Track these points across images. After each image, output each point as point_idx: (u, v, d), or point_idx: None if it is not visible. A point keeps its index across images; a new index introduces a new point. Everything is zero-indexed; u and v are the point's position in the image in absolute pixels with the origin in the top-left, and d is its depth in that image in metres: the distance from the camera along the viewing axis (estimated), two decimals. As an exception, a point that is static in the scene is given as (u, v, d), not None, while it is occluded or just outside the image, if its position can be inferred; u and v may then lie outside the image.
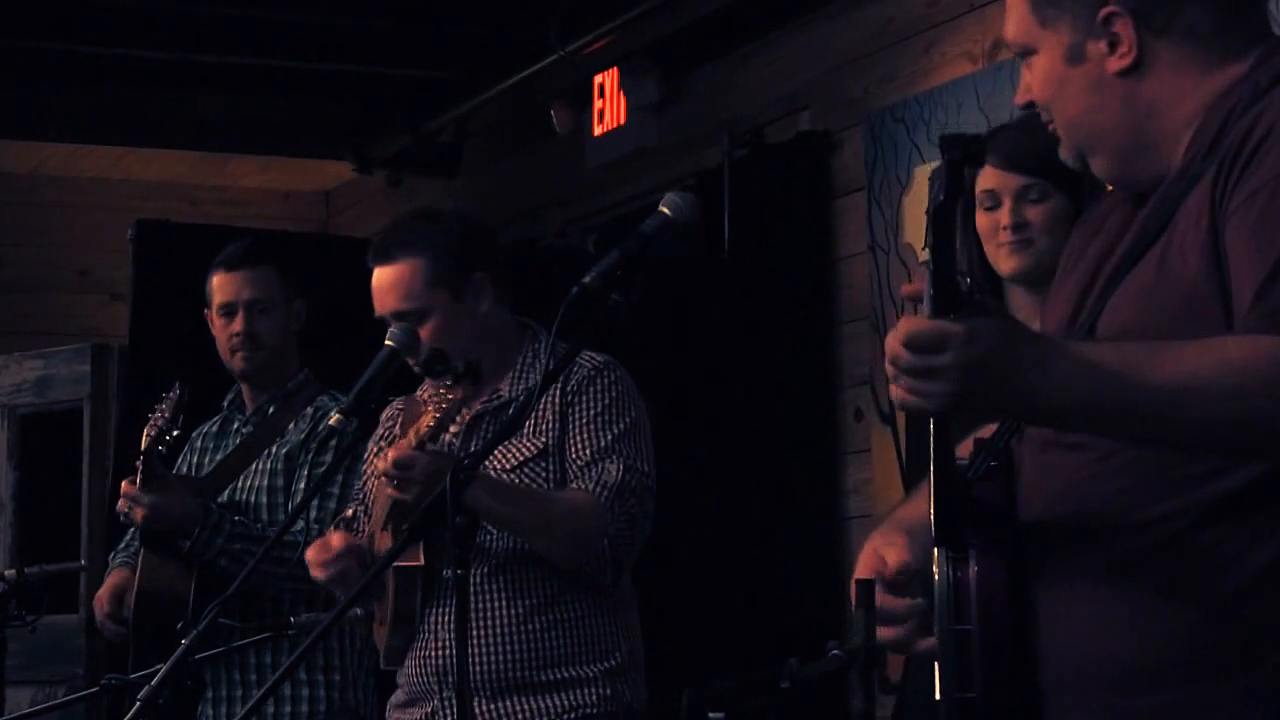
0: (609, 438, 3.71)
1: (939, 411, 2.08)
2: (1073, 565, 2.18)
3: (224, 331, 4.66)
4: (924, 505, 2.19)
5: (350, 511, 3.93)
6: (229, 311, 4.65)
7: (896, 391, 2.07)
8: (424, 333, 3.73)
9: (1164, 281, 2.18)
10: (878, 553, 2.29)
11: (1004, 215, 3.31)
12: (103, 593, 4.68)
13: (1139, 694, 2.15)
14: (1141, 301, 2.20)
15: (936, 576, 2.15)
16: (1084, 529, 2.18)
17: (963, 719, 2.15)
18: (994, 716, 2.15)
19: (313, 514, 4.34)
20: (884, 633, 2.26)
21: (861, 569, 2.30)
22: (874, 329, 5.60)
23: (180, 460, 4.77)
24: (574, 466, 3.70)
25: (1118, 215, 2.34)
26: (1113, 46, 2.28)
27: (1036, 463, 2.23)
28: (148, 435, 4.45)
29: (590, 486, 3.67)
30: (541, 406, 3.72)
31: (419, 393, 3.85)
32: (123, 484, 4.48)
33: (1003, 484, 2.22)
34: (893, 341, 2.05)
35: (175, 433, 4.48)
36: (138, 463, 4.44)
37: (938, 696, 2.20)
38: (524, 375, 3.79)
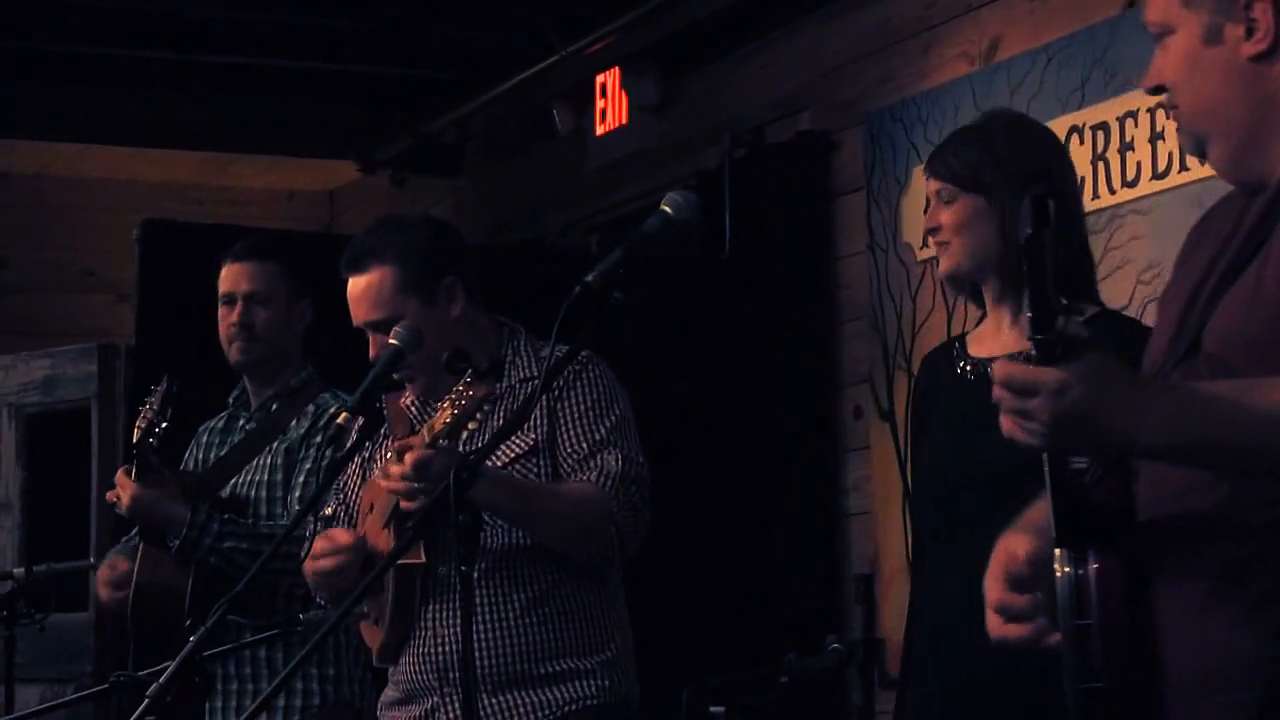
0: (604, 430, 3.72)
1: (1039, 448, 2.19)
2: (1185, 566, 2.25)
3: (224, 321, 4.70)
4: (1035, 511, 2.31)
5: (330, 509, 3.92)
6: (229, 301, 4.70)
7: (1003, 424, 2.19)
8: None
9: (1260, 299, 2.24)
10: (1008, 550, 2.36)
11: (927, 219, 3.42)
12: (101, 571, 4.71)
13: (1250, 690, 2.20)
14: (1241, 316, 2.26)
15: (1058, 575, 2.23)
16: (1194, 532, 2.25)
17: (1087, 708, 2.23)
18: (1116, 707, 2.23)
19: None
20: (1011, 629, 2.33)
21: (992, 569, 2.36)
22: (873, 327, 5.63)
23: (187, 455, 4.79)
24: (570, 460, 3.71)
25: (1229, 218, 2.39)
26: (1250, 32, 2.33)
27: (1152, 467, 2.29)
28: (138, 428, 4.49)
29: (594, 478, 3.68)
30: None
31: (403, 398, 3.87)
32: (119, 472, 4.52)
33: (1121, 487, 2.29)
34: (996, 379, 2.19)
35: (164, 425, 4.51)
36: (133, 452, 4.48)
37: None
38: (506, 374, 3.79)
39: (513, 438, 3.69)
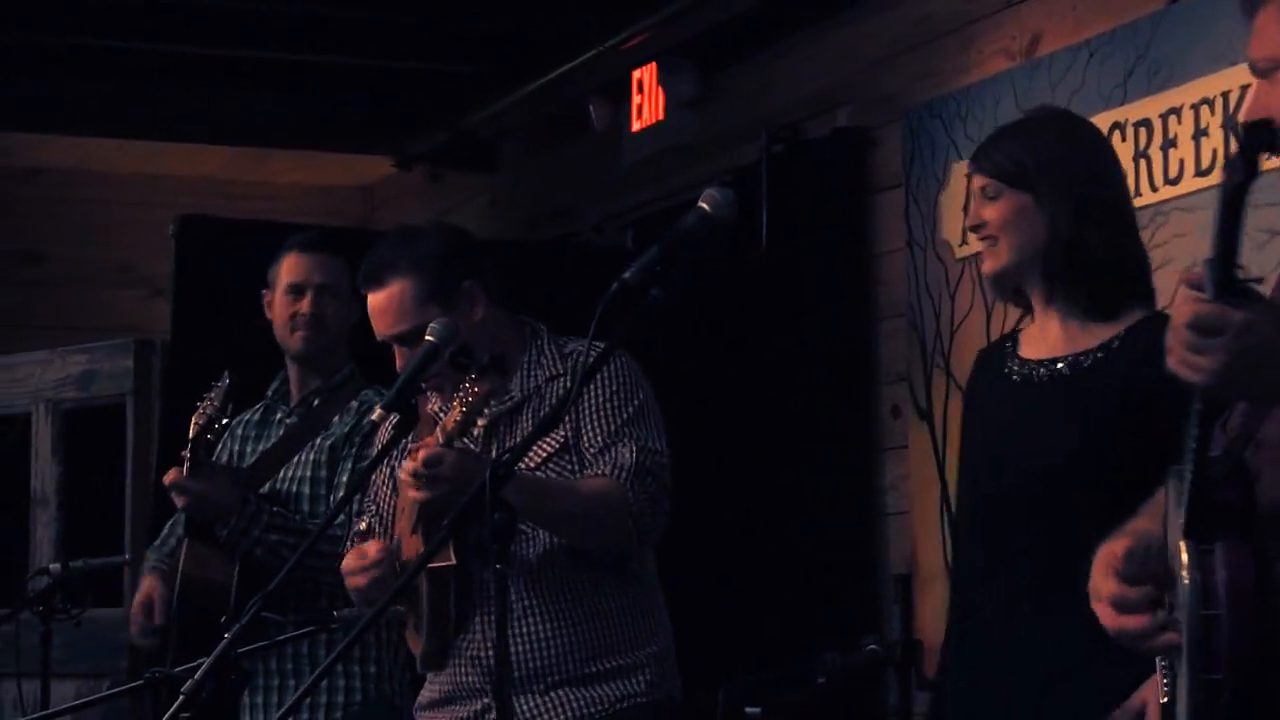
0: (620, 421, 3.72)
1: (1207, 386, 2.27)
2: None
3: (287, 310, 4.65)
4: (1142, 523, 2.43)
5: (364, 524, 3.92)
6: (297, 291, 4.65)
7: (1173, 361, 2.26)
8: None
9: None
10: (1111, 550, 2.46)
11: (969, 216, 3.38)
12: (136, 606, 4.69)
13: None
14: None
15: (1185, 565, 2.29)
16: None
17: (1209, 698, 2.28)
18: (1240, 695, 2.28)
19: (355, 509, 4.35)
20: (1128, 621, 2.41)
21: (1099, 567, 2.45)
22: (911, 326, 5.59)
23: (221, 448, 4.77)
24: (589, 454, 3.72)
25: None
26: None
27: (1275, 465, 2.36)
28: (195, 423, 4.45)
29: (607, 471, 3.69)
30: (553, 400, 3.75)
31: (429, 403, 3.85)
32: (170, 472, 4.50)
33: (1241, 488, 2.36)
34: (1177, 319, 2.27)
35: (224, 421, 4.49)
36: (184, 452, 4.45)
37: (1181, 684, 2.34)
38: (531, 374, 3.80)
39: (545, 437, 3.69)
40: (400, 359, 3.81)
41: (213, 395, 4.45)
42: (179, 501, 4.49)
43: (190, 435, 4.44)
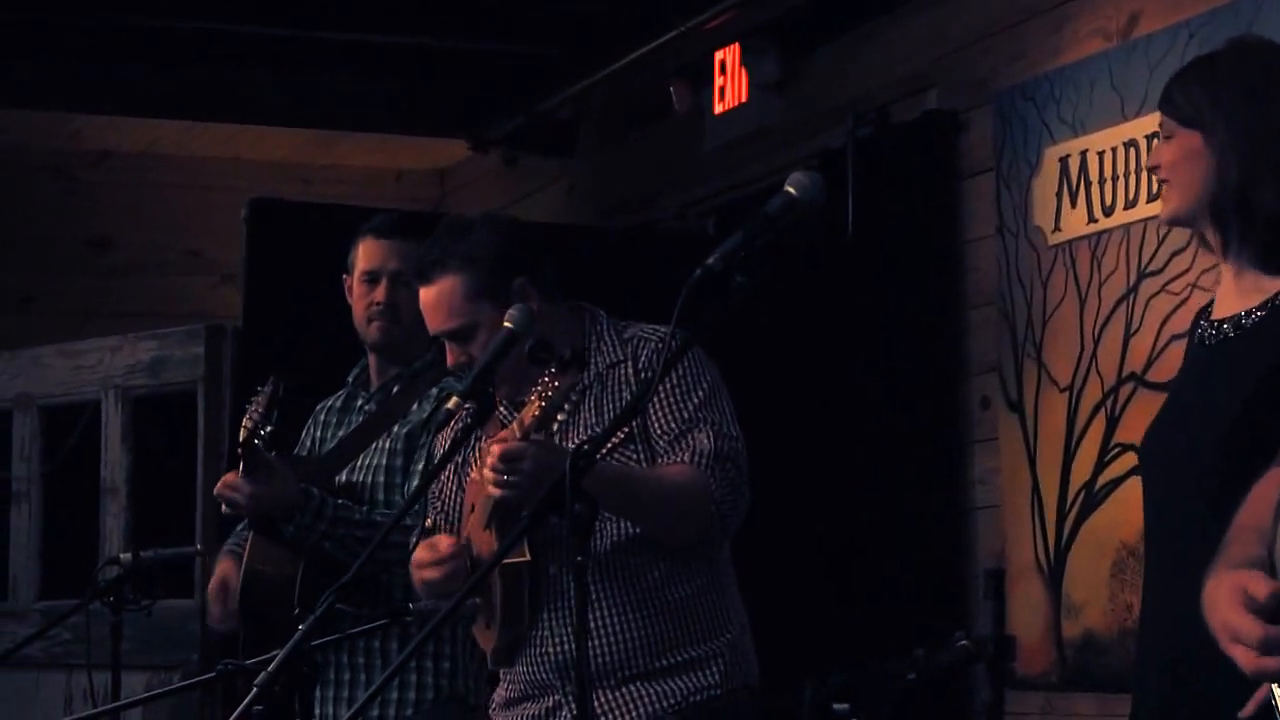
0: (691, 407, 3.67)
1: None
2: None
3: (363, 299, 4.59)
4: (1239, 550, 2.30)
5: (429, 521, 3.89)
6: (372, 278, 4.58)
7: None
8: (476, 348, 3.71)
9: None
10: (1241, 589, 2.28)
11: (1150, 156, 3.22)
12: (211, 591, 4.62)
13: None
14: None
15: None
16: None
17: None
18: None
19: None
20: (1268, 663, 2.24)
21: (1230, 604, 2.26)
22: (1002, 314, 5.49)
23: (304, 434, 4.73)
24: (662, 441, 3.67)
25: None
26: None
27: None
28: (244, 428, 4.40)
29: (687, 458, 3.64)
30: (618, 390, 3.72)
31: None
32: (225, 476, 4.43)
33: None
34: None
35: (269, 428, 4.43)
36: (238, 451, 4.39)
37: None
38: (593, 361, 3.75)
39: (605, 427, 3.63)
40: (451, 356, 3.79)
41: (258, 400, 4.39)
42: (238, 502, 4.41)
43: (240, 439, 4.38)
